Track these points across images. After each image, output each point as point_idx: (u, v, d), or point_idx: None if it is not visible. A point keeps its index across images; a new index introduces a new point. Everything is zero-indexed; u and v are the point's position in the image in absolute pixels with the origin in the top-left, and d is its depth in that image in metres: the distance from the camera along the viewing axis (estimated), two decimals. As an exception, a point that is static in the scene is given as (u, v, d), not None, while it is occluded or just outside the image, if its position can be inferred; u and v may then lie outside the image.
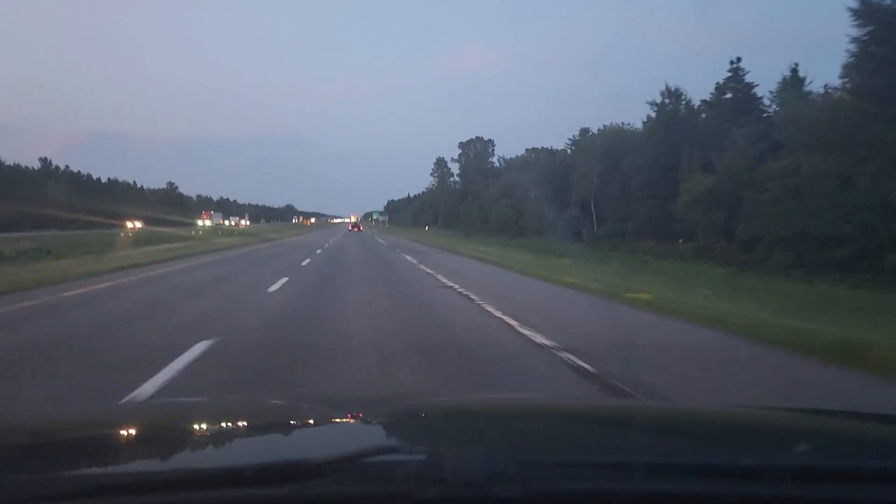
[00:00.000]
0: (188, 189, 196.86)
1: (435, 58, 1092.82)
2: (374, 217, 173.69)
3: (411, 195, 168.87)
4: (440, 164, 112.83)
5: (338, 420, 1.84)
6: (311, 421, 1.83)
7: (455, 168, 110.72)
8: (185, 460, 1.41)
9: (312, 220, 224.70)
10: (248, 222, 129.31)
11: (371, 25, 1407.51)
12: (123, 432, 1.72)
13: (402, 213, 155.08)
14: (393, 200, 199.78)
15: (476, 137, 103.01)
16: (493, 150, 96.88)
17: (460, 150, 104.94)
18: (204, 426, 1.78)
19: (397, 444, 1.49)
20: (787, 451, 1.49)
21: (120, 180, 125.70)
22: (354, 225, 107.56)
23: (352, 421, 1.84)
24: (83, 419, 1.97)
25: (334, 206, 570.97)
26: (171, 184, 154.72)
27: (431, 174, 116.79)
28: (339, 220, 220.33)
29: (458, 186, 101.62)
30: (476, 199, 74.50)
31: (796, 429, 1.73)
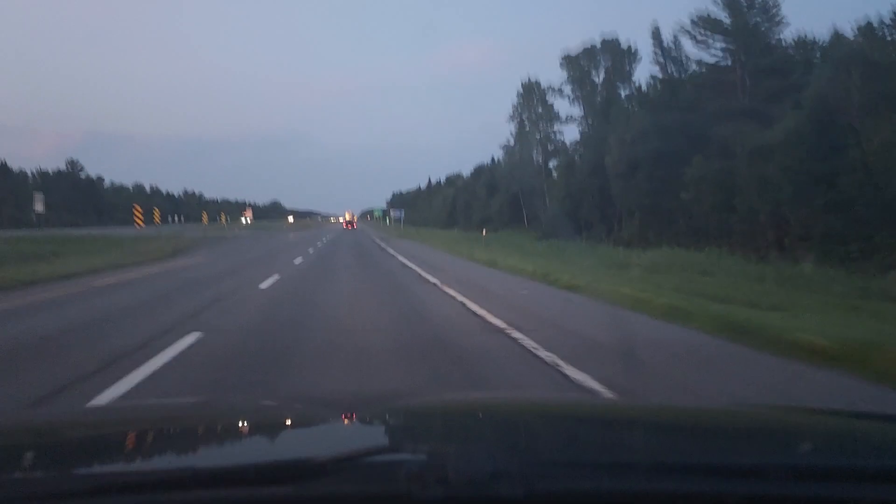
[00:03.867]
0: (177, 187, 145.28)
1: (433, 54, 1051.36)
2: (377, 214, 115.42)
3: (433, 181, 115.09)
4: (529, 93, 51.88)
5: (339, 419, 1.78)
6: (312, 420, 1.77)
7: (563, 106, 56.08)
8: (187, 459, 1.38)
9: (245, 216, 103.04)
10: None
11: (368, 22, 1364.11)
12: (123, 431, 1.68)
13: (420, 208, 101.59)
14: (400, 193, 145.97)
15: (610, 40, 49.19)
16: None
17: (567, 73, 49.82)
18: (205, 425, 1.74)
19: (399, 443, 1.45)
20: (790, 450, 1.47)
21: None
22: (349, 223, 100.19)
23: (353, 420, 1.78)
24: (83, 418, 1.94)
25: (332, 204, 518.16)
26: (72, 163, 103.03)
27: (511, 118, 56.12)
28: (338, 220, 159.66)
29: (587, 134, 45.13)
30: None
31: (798, 428, 1.70)
